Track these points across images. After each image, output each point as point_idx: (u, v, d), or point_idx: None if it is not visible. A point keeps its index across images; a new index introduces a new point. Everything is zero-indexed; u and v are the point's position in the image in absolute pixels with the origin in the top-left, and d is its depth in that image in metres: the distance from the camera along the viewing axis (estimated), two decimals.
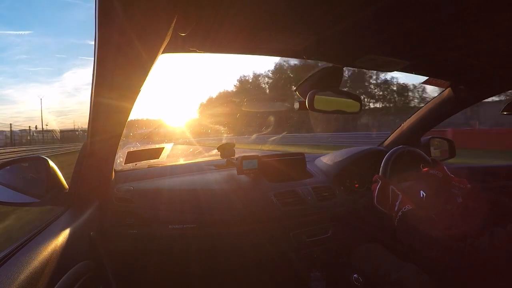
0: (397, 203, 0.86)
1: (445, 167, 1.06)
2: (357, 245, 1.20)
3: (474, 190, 0.97)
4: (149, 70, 0.61)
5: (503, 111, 1.29)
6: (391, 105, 26.05)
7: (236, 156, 1.32)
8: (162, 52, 0.59)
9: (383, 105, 26.81)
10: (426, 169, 1.08)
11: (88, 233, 0.81)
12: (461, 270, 0.69)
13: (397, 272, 0.96)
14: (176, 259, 1.14)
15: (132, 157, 1.24)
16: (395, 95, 26.38)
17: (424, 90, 24.54)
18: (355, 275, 1.13)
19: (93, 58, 0.53)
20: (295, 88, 0.97)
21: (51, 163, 0.84)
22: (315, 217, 1.21)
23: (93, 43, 0.49)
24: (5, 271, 0.50)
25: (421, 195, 1.12)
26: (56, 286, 0.58)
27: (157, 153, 1.33)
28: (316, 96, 0.87)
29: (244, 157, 1.22)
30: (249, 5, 0.56)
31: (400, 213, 0.84)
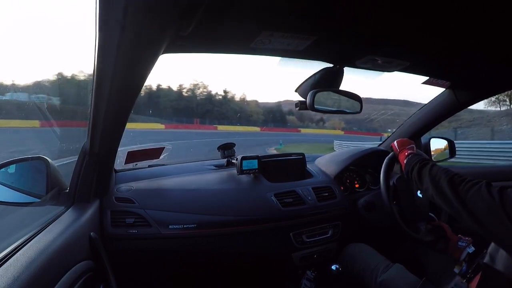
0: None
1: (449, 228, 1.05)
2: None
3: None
4: (149, 70, 0.61)
5: None
6: None
7: (236, 156, 1.32)
8: (163, 52, 0.60)
9: None
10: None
11: (88, 233, 0.81)
12: None
13: (383, 273, 0.96)
14: (176, 259, 1.14)
15: (132, 157, 1.24)
16: None
17: None
18: (334, 266, 1.14)
19: (93, 58, 0.53)
20: (295, 88, 0.97)
21: (52, 163, 0.84)
22: (315, 217, 1.21)
23: (94, 42, 0.49)
24: (5, 271, 0.50)
25: (419, 194, 1.12)
26: (57, 285, 0.58)
27: (157, 153, 1.33)
28: (317, 96, 0.87)
29: (244, 157, 1.22)
30: (249, 5, 0.56)
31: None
